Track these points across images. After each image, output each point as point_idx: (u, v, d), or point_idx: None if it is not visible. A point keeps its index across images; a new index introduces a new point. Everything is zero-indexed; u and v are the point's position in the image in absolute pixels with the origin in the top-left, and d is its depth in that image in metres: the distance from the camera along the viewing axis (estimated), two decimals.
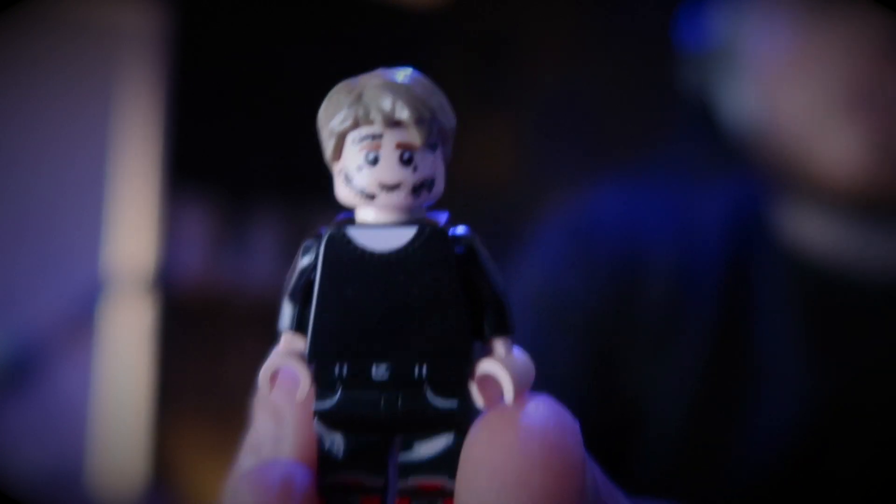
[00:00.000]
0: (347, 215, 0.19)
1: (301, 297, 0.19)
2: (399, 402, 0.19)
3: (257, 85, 1.58)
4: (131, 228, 1.52)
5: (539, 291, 0.60)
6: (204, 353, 1.56)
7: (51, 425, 1.41)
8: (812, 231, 0.58)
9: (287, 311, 0.19)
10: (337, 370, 0.19)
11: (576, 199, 0.68)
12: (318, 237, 0.19)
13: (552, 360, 0.57)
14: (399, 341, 0.18)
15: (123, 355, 1.49)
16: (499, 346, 0.19)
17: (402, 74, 0.19)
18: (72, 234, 1.50)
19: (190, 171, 1.56)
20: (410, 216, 0.19)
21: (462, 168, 1.67)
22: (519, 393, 0.18)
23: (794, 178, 0.57)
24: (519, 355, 0.19)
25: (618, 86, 1.45)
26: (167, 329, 1.52)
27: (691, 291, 0.58)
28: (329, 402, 0.19)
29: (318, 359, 0.19)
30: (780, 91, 0.56)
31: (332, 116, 0.18)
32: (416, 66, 0.19)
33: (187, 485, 1.53)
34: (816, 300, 0.57)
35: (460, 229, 0.19)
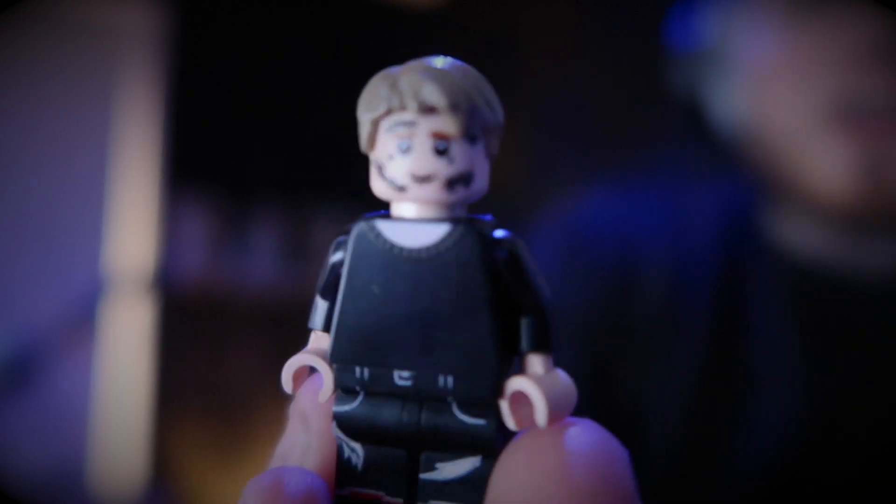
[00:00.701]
0: (377, 214, 0.18)
1: (332, 295, 0.18)
2: (422, 415, 0.17)
3: (257, 85, 1.58)
4: (131, 228, 1.52)
5: None
6: (204, 353, 1.56)
7: (51, 425, 1.41)
8: (805, 234, 0.58)
9: (317, 309, 0.18)
10: (358, 373, 0.17)
11: (570, 201, 0.68)
12: (349, 233, 0.18)
13: None
14: (424, 349, 0.17)
15: (123, 355, 1.49)
16: (535, 362, 0.17)
17: (444, 61, 0.17)
18: (72, 234, 1.50)
19: (190, 171, 1.56)
20: (448, 213, 0.17)
21: None
22: (556, 417, 0.16)
23: (782, 184, 0.57)
24: (561, 375, 0.17)
25: (615, 87, 1.44)
26: (167, 329, 1.52)
27: (685, 294, 0.58)
28: (348, 406, 0.18)
29: (339, 361, 0.18)
30: (769, 97, 0.57)
31: (368, 103, 0.17)
32: None
33: (187, 485, 1.53)
34: (810, 302, 0.57)
35: (501, 232, 0.17)
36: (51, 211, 1.48)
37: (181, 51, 1.55)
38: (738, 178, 0.62)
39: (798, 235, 0.58)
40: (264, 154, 1.60)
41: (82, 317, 1.40)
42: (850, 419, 0.55)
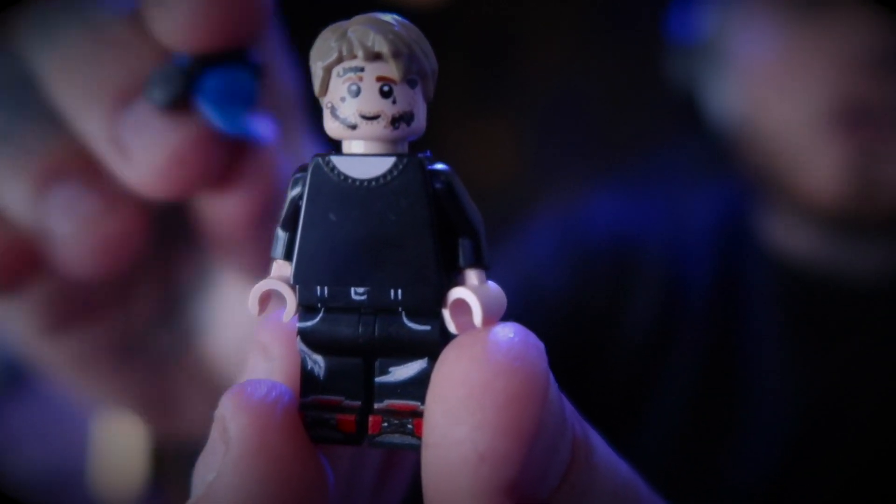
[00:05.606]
0: (328, 151, 0.20)
1: (291, 226, 0.20)
2: (376, 326, 0.19)
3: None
4: None
5: (529, 292, 0.61)
6: None
7: (51, 425, 1.42)
8: (798, 234, 0.58)
9: (278, 240, 0.20)
10: (318, 292, 0.19)
11: (567, 200, 0.69)
12: (306, 169, 0.20)
13: None
14: (376, 267, 0.19)
15: None
16: (472, 276, 0.19)
17: (387, 16, 0.20)
18: None
19: None
20: (392, 149, 0.20)
21: (459, 167, 1.67)
22: (489, 320, 0.19)
23: (776, 183, 0.57)
24: (492, 286, 0.19)
25: (614, 88, 1.45)
26: None
27: (680, 293, 0.59)
28: (311, 322, 0.20)
29: (301, 282, 0.20)
30: (766, 95, 0.57)
31: (320, 53, 0.20)
32: None
33: (188, 484, 1.53)
34: (804, 303, 0.57)
35: (440, 165, 0.20)
36: None
37: None
38: (735, 179, 0.62)
39: (792, 236, 0.58)
40: None
41: None
42: (844, 417, 0.55)
